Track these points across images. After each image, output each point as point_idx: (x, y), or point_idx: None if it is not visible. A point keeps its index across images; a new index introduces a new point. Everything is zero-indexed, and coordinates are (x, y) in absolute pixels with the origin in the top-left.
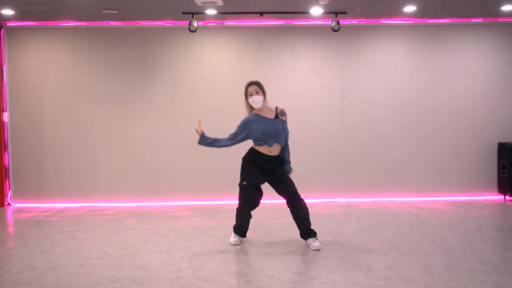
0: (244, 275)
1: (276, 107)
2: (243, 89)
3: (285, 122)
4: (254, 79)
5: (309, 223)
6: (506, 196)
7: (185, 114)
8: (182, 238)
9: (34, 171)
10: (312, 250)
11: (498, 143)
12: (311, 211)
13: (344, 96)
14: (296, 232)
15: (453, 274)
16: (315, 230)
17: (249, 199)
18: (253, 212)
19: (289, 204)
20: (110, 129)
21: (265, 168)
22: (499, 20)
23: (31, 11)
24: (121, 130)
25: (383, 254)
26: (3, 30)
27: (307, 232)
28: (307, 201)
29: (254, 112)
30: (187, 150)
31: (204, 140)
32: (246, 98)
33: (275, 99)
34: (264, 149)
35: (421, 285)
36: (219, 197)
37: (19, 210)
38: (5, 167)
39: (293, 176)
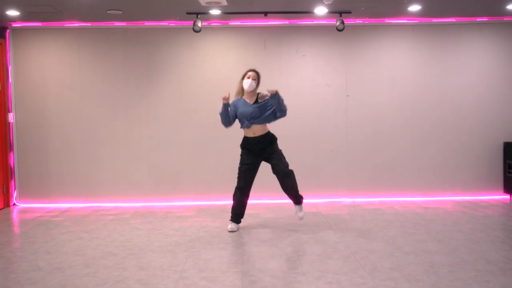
0: (249, 275)
1: (258, 93)
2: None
3: (265, 102)
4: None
5: (298, 192)
6: None
7: (190, 114)
8: (187, 238)
9: (39, 172)
10: (298, 218)
11: (504, 142)
12: (315, 210)
13: (348, 95)
14: (301, 232)
15: (459, 274)
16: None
17: (241, 180)
18: (257, 213)
19: (280, 181)
20: (114, 129)
21: (255, 149)
22: (504, 19)
23: (36, 12)
24: (125, 130)
25: (388, 254)
26: (8, 31)
27: (296, 199)
28: (311, 200)
29: (241, 96)
30: (192, 150)
31: (225, 109)
32: (242, 78)
33: None
34: (247, 132)
35: (427, 285)
36: (223, 197)
37: (25, 211)
38: (11, 167)
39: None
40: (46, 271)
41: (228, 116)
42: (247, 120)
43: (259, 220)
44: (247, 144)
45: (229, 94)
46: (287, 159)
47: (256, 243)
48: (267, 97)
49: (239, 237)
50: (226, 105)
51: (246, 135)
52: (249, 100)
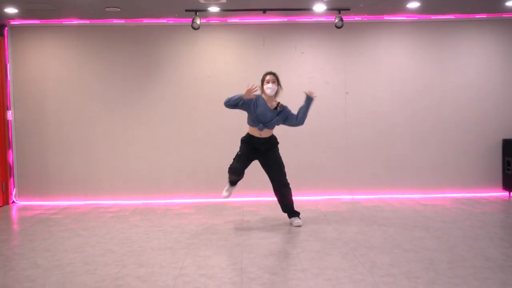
0: (248, 272)
1: (279, 102)
2: (246, 86)
3: (283, 111)
4: (258, 76)
5: (293, 207)
6: (511, 193)
7: (188, 112)
8: (186, 236)
9: (38, 169)
10: (294, 226)
11: (503, 139)
12: (314, 207)
13: (347, 93)
14: (300, 229)
15: (458, 271)
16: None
17: (239, 162)
18: (257, 210)
19: (276, 190)
20: (113, 127)
21: (259, 149)
22: (504, 15)
23: (34, 9)
24: (124, 128)
25: (387, 251)
26: (6, 28)
27: (291, 212)
28: (311, 198)
29: (262, 95)
30: (191, 148)
31: (239, 101)
32: (262, 83)
33: (279, 97)
34: (255, 132)
35: (425, 282)
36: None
37: (24, 208)
38: (10, 165)
39: (297, 173)
40: (45, 269)
41: (236, 105)
42: (263, 123)
43: (258, 217)
44: (251, 142)
45: (255, 88)
46: (286, 158)
47: (255, 240)
48: (311, 95)
49: (238, 234)
50: (242, 99)
51: (251, 133)
52: (270, 104)
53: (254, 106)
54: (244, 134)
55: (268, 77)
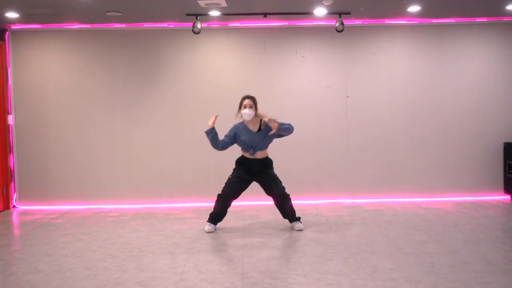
0: (249, 277)
1: (261, 120)
2: (247, 91)
3: (268, 127)
4: (258, 80)
5: (294, 213)
6: None
7: (189, 116)
8: (187, 240)
9: (39, 174)
10: (296, 230)
11: (504, 143)
12: (315, 211)
13: (348, 96)
14: (302, 233)
15: (459, 275)
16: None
17: (230, 189)
18: (258, 214)
19: (277, 204)
20: (114, 131)
21: (253, 170)
22: (504, 19)
23: (35, 14)
24: (125, 132)
25: (389, 255)
26: (7, 33)
27: (293, 218)
28: (312, 202)
29: (243, 121)
30: (192, 152)
31: (210, 132)
32: (240, 108)
33: (279, 100)
34: (248, 154)
35: (427, 286)
36: None
37: (24, 213)
38: (10, 169)
39: (298, 177)
40: (45, 274)
41: (216, 140)
42: (253, 149)
43: (259, 222)
44: (245, 164)
45: (215, 118)
46: (287, 162)
47: (256, 244)
48: (272, 122)
49: (239, 239)
50: (212, 130)
51: (245, 156)
52: (252, 127)
53: (237, 136)
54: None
55: (245, 102)
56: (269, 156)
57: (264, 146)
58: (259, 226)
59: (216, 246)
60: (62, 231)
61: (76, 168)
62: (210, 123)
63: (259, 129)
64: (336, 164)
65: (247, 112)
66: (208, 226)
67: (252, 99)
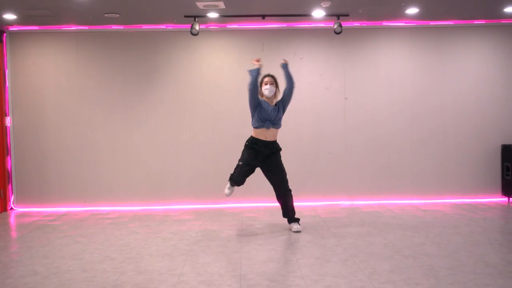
0: (247, 279)
1: (276, 102)
2: (245, 92)
3: (280, 100)
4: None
5: (294, 212)
6: (510, 198)
7: (187, 118)
8: (185, 242)
9: (36, 176)
10: (293, 231)
11: (502, 145)
12: (314, 213)
13: (346, 98)
14: (300, 235)
15: (458, 277)
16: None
17: (240, 175)
18: (256, 216)
19: (279, 196)
20: (112, 133)
21: (263, 152)
22: (502, 21)
23: (33, 15)
24: (123, 134)
25: (387, 257)
26: (5, 34)
27: (292, 218)
28: (310, 203)
29: (263, 99)
30: (190, 154)
31: (255, 73)
32: (261, 85)
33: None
34: (261, 134)
35: None
36: (221, 200)
37: (22, 215)
38: (8, 171)
39: (296, 178)
40: (43, 276)
41: (255, 80)
42: (270, 121)
43: (257, 223)
44: (255, 145)
45: (259, 61)
46: (286, 163)
47: (254, 246)
48: (284, 62)
49: (237, 241)
50: (258, 70)
51: (256, 137)
52: (271, 103)
53: (260, 105)
54: (245, 138)
55: (266, 79)
56: None
57: (279, 123)
58: (257, 228)
59: (214, 248)
60: (59, 233)
61: (74, 170)
62: (257, 62)
63: (275, 104)
64: (334, 166)
65: (268, 88)
66: (228, 190)
67: (273, 77)
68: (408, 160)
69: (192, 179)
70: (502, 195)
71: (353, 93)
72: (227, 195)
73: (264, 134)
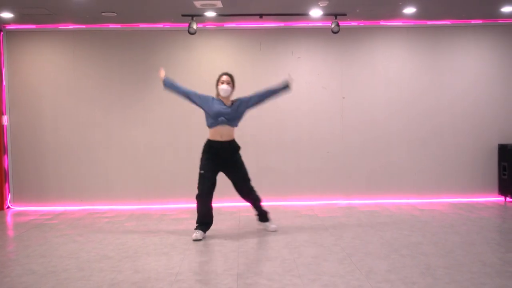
0: (244, 278)
1: (233, 101)
2: (243, 92)
3: (240, 101)
4: (254, 81)
5: (266, 210)
6: (507, 198)
7: (185, 117)
8: (182, 241)
9: (33, 174)
10: (270, 231)
11: (499, 144)
12: (311, 213)
13: (344, 98)
14: (297, 234)
15: (455, 277)
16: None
17: (205, 186)
18: (253, 215)
19: (245, 194)
20: (109, 132)
21: (221, 156)
22: (499, 21)
23: (30, 14)
24: (120, 133)
25: (384, 256)
26: (2, 33)
27: (264, 216)
28: (307, 203)
29: (219, 97)
30: (187, 153)
31: (168, 81)
32: (217, 83)
33: (275, 102)
34: (216, 134)
35: None
36: (218, 199)
37: (19, 214)
38: (5, 170)
39: (294, 178)
40: (40, 275)
41: (178, 87)
42: (224, 117)
43: (254, 222)
44: (212, 149)
45: (162, 71)
46: (283, 163)
47: (251, 246)
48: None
49: (235, 240)
50: (164, 80)
51: (211, 139)
52: (226, 103)
53: (209, 103)
54: (242, 138)
55: (223, 78)
56: (261, 156)
57: (234, 121)
58: (254, 227)
59: (211, 247)
60: (56, 232)
61: (71, 169)
62: (161, 75)
63: (232, 105)
64: (331, 165)
65: (224, 88)
66: (197, 233)
67: (230, 76)
68: (405, 159)
69: (189, 178)
70: (499, 194)
71: (350, 93)
72: (198, 239)
73: (219, 133)
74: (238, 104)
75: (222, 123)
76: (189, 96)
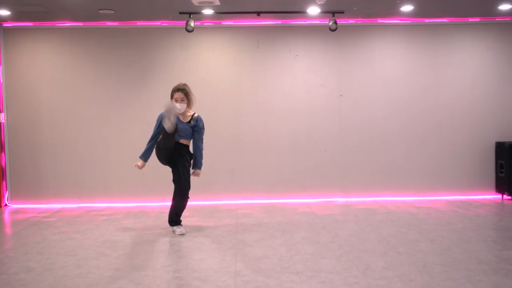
0: (241, 275)
1: (193, 115)
2: (241, 89)
3: (196, 126)
4: (252, 79)
5: (179, 216)
6: (504, 195)
7: None
8: (180, 238)
9: (31, 172)
10: (178, 234)
11: (496, 142)
12: (308, 210)
13: (341, 95)
14: (294, 232)
15: (451, 274)
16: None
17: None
18: (251, 212)
19: (175, 196)
20: (107, 129)
21: (175, 150)
22: (497, 19)
23: (27, 11)
24: (118, 130)
25: (381, 254)
26: None
27: (175, 221)
28: (305, 200)
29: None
30: None
31: (146, 155)
32: (171, 97)
33: (272, 99)
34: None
35: (419, 285)
36: (216, 197)
37: (16, 211)
38: (2, 168)
39: (291, 176)
40: (37, 272)
41: (150, 149)
42: (178, 135)
43: (252, 220)
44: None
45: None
46: (281, 161)
47: (249, 243)
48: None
49: (232, 237)
50: (144, 156)
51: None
52: (183, 118)
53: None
54: (240, 135)
55: (176, 95)
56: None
57: (188, 137)
58: (252, 225)
59: (209, 244)
60: (54, 230)
61: (68, 167)
62: (139, 166)
63: (189, 122)
64: (329, 163)
65: (178, 107)
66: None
67: (183, 91)
68: (402, 157)
69: None
70: (496, 192)
71: (348, 90)
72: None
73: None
74: (194, 126)
75: (177, 139)
76: (157, 136)
